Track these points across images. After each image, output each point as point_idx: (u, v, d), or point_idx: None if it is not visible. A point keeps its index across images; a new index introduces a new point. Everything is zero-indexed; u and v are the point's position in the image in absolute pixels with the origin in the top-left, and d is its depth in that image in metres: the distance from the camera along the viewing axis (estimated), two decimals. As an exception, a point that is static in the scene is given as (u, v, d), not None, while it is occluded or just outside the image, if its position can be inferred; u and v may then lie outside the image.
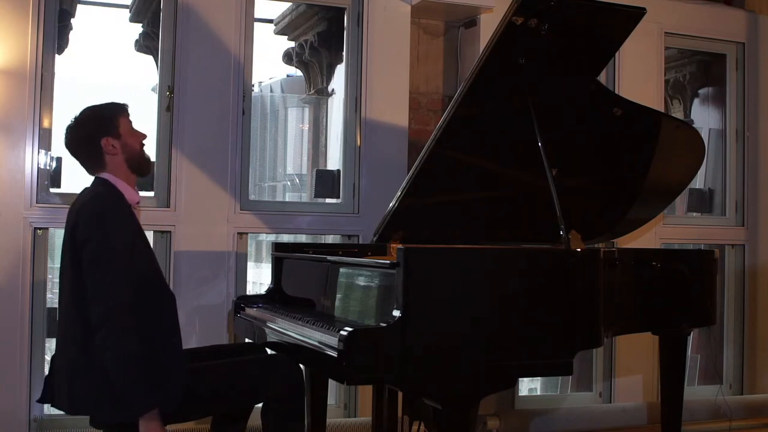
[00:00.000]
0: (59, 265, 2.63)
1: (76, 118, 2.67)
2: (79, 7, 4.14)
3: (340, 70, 4.45)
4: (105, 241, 2.44)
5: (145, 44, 4.69)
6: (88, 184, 2.66)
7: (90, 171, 2.67)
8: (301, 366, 2.72)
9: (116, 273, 2.41)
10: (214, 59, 3.89)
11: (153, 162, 2.76)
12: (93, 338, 2.39)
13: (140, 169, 2.70)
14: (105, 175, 2.63)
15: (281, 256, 3.32)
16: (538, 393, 5.29)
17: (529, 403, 4.55)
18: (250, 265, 4.27)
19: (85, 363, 2.45)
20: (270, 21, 5.34)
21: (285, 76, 8.45)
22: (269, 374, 2.63)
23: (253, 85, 4.13)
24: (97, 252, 2.43)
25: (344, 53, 4.27)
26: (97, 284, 2.41)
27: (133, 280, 2.45)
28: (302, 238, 4.29)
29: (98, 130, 2.63)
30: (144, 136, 2.71)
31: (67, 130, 2.66)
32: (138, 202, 2.70)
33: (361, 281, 2.65)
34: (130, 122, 2.69)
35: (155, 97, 3.96)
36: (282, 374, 2.62)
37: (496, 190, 3.27)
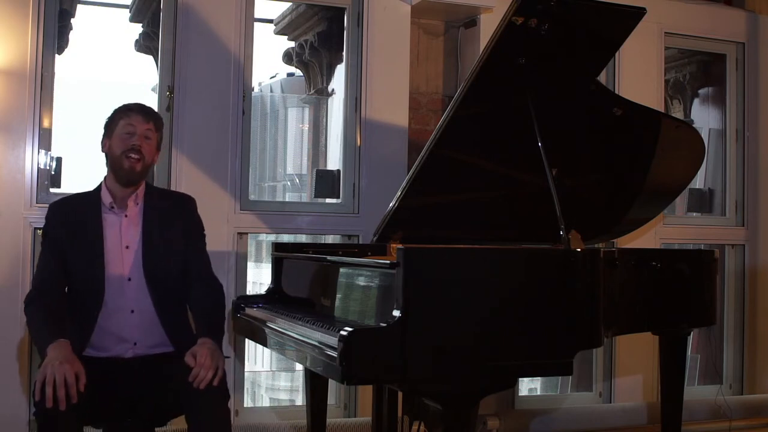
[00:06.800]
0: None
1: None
2: (79, 7, 4.15)
3: (340, 70, 4.45)
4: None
5: (145, 44, 4.70)
6: (88, 184, 2.68)
7: None
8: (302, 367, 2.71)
9: (41, 260, 2.62)
10: (214, 59, 3.89)
11: (138, 171, 2.60)
12: None
13: (116, 175, 2.60)
14: (105, 177, 2.65)
15: (281, 256, 3.32)
16: (538, 393, 5.29)
17: (529, 403, 4.55)
18: (250, 265, 4.27)
19: None
20: (270, 21, 5.34)
21: (285, 76, 8.46)
22: None
23: (253, 88, 4.13)
24: None
25: (344, 53, 4.27)
26: None
27: (52, 271, 2.58)
28: (302, 238, 4.28)
29: (106, 128, 2.65)
30: (130, 145, 2.56)
31: None
32: (111, 204, 2.63)
33: (361, 281, 2.64)
34: (130, 125, 2.57)
35: (155, 97, 3.96)
36: None
37: (496, 190, 3.27)
